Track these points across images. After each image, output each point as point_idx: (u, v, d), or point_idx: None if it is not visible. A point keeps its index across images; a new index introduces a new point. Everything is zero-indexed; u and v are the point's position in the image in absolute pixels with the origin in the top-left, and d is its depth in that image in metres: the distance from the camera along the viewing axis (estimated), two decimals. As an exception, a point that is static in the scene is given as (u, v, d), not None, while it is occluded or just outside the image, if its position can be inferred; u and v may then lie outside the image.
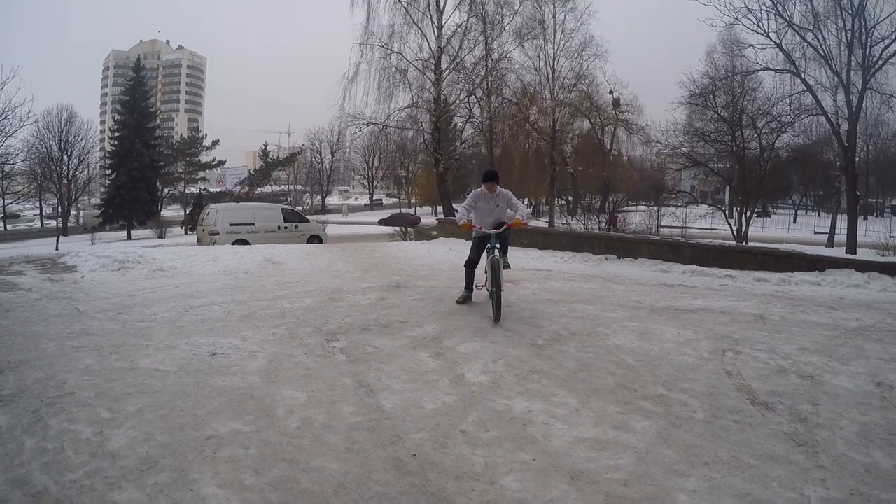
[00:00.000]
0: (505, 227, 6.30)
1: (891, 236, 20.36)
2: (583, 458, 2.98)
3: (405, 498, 2.61)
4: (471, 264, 6.60)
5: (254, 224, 18.34)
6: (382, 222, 43.99)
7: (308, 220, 20.70)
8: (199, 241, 18.44)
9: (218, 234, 17.44)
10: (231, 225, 17.89)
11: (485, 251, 6.32)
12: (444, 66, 22.58)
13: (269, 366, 4.34)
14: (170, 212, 52.02)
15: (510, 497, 2.63)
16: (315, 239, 19.31)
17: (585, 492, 2.68)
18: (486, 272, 6.20)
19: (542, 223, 30.01)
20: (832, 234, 27.31)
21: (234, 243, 16.08)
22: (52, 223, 47.57)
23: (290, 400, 3.66)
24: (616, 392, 3.88)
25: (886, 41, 17.88)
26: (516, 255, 10.64)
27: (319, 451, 3.02)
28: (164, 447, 3.01)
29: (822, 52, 18.86)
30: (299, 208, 45.62)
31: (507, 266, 6.29)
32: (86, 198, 56.36)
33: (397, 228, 24.90)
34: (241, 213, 18.97)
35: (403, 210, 55.76)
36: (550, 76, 27.62)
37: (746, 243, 19.84)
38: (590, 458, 2.98)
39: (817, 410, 3.64)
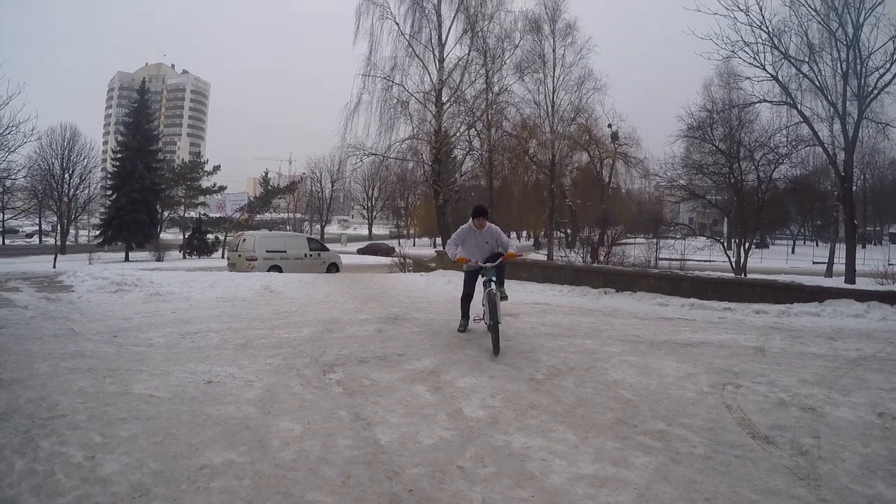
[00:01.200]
0: (500, 258, 6.29)
1: (889, 264, 20.31)
2: (582, 494, 2.94)
3: (401, 534, 2.57)
4: (466, 298, 6.74)
5: (285, 251, 19.82)
6: (360, 251, 45.99)
7: (328, 250, 22.12)
8: (233, 268, 19.08)
9: (256, 259, 18.64)
10: (267, 252, 19.30)
11: (481, 284, 6.28)
12: (445, 99, 22.83)
13: (264, 396, 4.29)
14: (169, 235, 52.04)
15: (508, 535, 2.59)
16: (332, 267, 20.64)
17: (585, 530, 2.64)
18: (483, 305, 6.14)
19: (540, 256, 30.06)
20: (831, 263, 27.34)
21: (268, 269, 17.35)
22: (50, 241, 47.59)
23: (285, 431, 3.61)
24: (615, 427, 3.84)
25: (881, 70, 18.10)
26: (514, 289, 10.62)
27: (315, 484, 2.97)
28: (157, 475, 2.97)
29: (817, 83, 19.12)
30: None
31: (504, 297, 6.29)
32: (85, 217, 56.48)
33: (395, 260, 25.03)
34: (275, 241, 20.64)
35: (384, 241, 56.42)
36: (550, 109, 28.00)
37: (745, 275, 19.86)
38: (589, 494, 2.94)
39: (819, 443, 3.61)
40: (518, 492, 2.95)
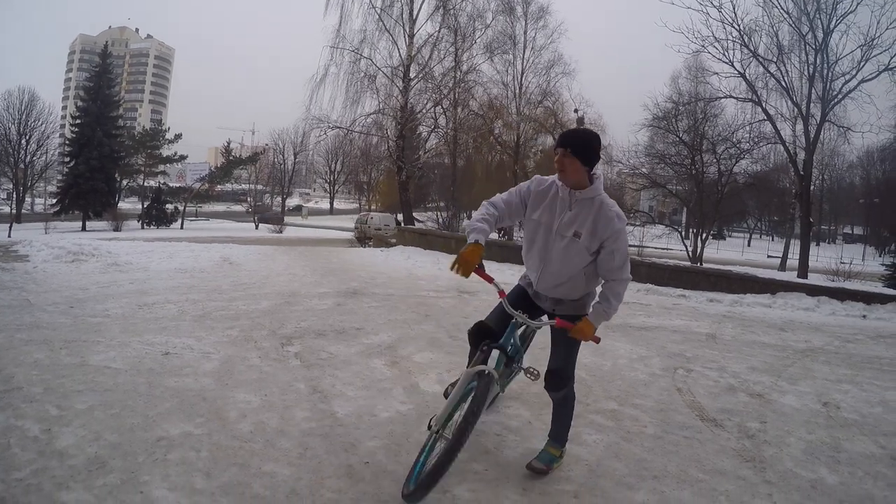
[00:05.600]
0: (556, 323, 2.86)
1: (841, 262, 21.14)
2: (535, 469, 3.03)
3: (357, 505, 2.60)
4: (476, 333, 2.95)
5: (387, 225, 27.21)
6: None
7: (401, 224, 26.50)
8: (363, 238, 24.60)
9: (381, 230, 26.46)
10: (375, 230, 26.04)
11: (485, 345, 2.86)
12: (412, 75, 22.64)
13: (222, 368, 4.26)
14: (127, 204, 50.40)
15: (462, 507, 2.65)
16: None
17: (536, 502, 2.72)
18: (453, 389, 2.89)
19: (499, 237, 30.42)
20: (785, 258, 28.28)
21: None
22: (5, 209, 45.83)
23: (242, 403, 3.61)
24: (569, 406, 3.93)
25: (846, 77, 18.75)
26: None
27: (272, 455, 2.98)
28: (114, 447, 2.93)
29: (784, 83, 19.64)
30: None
31: (500, 391, 3.48)
32: (42, 185, 54.52)
33: (354, 233, 26.39)
34: (383, 220, 31.51)
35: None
36: (517, 91, 28.06)
37: (701, 264, 20.39)
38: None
39: (765, 428, 3.77)
40: (472, 465, 3.01)
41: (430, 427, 2.79)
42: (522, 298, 3.07)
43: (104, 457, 2.84)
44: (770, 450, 3.44)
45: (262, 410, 3.53)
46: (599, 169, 2.82)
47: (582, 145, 2.72)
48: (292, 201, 71.15)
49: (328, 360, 4.56)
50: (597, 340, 2.81)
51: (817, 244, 38.24)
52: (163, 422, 3.26)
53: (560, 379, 2.94)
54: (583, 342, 2.91)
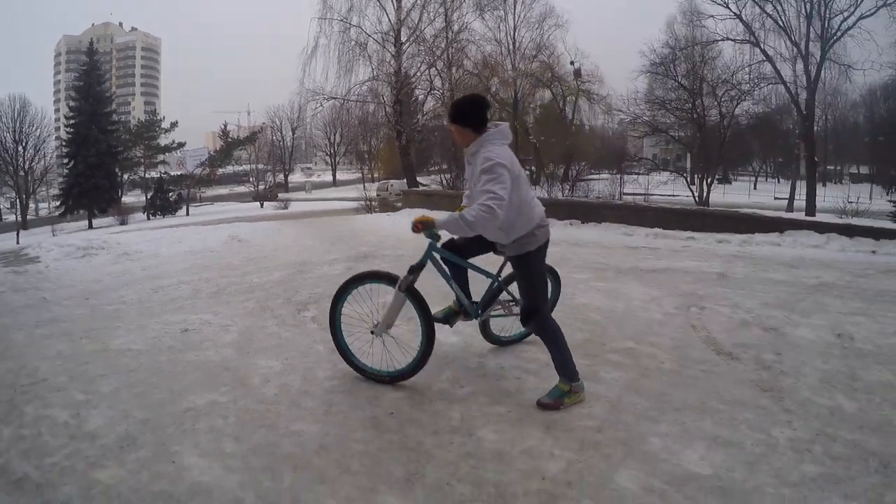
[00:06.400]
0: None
1: (849, 201, 20.98)
2: (556, 408, 3.08)
3: (385, 454, 2.67)
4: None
5: (400, 194, 24.58)
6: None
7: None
8: (383, 203, 24.87)
9: (401, 195, 23.67)
10: (395, 195, 25.90)
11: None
12: (403, 39, 22.40)
13: (241, 338, 4.32)
14: (131, 198, 50.44)
15: (488, 448, 2.71)
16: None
17: (560, 439, 2.77)
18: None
19: None
20: (792, 199, 28.00)
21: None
22: (11, 217, 46.01)
23: (265, 369, 3.67)
24: (585, 346, 3.97)
25: (845, 13, 18.42)
26: None
27: (298, 415, 3.05)
28: (143, 423, 2.99)
29: (781, 23, 19.33)
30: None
31: (445, 320, 3.65)
32: (44, 189, 54.61)
33: (362, 202, 26.05)
34: (402, 185, 27.45)
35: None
36: (511, 47, 27.89)
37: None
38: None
39: (781, 359, 3.78)
40: (495, 408, 3.07)
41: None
42: (473, 240, 3.37)
43: (134, 433, 2.90)
44: (787, 380, 3.46)
45: (284, 374, 3.59)
46: (500, 125, 3.14)
47: (455, 114, 3.13)
48: (294, 177, 70.77)
49: (344, 320, 4.58)
50: (415, 229, 3.06)
51: (823, 185, 37.75)
52: (188, 394, 3.33)
53: (523, 312, 3.25)
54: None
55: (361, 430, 2.88)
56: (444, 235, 3.21)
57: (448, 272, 3.45)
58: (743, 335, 4.29)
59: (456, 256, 3.46)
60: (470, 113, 3.09)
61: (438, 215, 3.05)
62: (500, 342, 3.96)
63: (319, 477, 2.51)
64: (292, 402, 3.20)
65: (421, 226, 3.03)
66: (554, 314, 3.48)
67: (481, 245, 3.38)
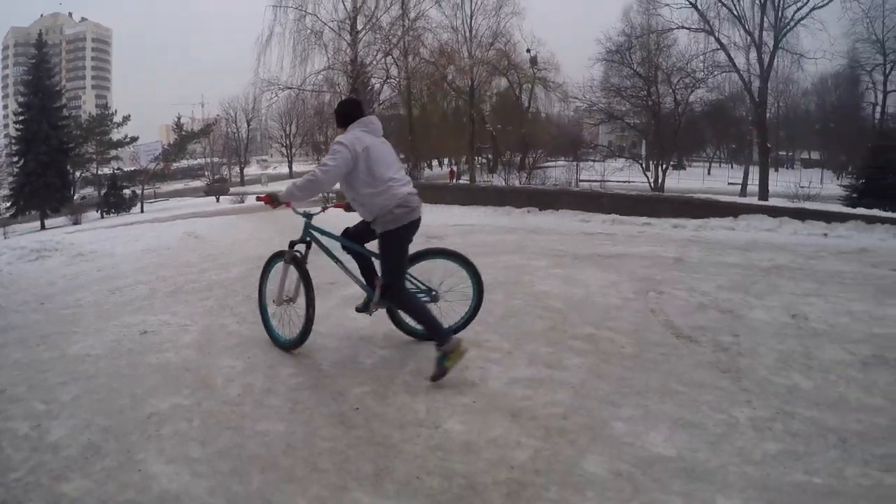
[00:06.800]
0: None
1: (801, 186, 21.65)
2: (520, 396, 3.13)
3: (353, 451, 2.67)
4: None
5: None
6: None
7: None
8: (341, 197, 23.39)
9: None
10: None
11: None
12: (359, 27, 22.03)
13: (201, 338, 4.26)
14: (84, 195, 48.82)
15: (455, 439, 2.74)
16: None
17: (526, 427, 2.82)
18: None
19: (463, 181, 30.47)
20: (745, 184, 28.79)
21: None
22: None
23: (227, 369, 3.62)
24: (547, 334, 4.05)
25: (798, 3, 18.93)
26: (439, 213, 10.37)
27: (263, 415, 3.03)
28: (106, 431, 2.93)
29: (735, 12, 19.81)
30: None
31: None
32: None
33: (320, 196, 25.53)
34: None
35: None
36: (468, 35, 27.81)
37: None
38: (527, 396, 3.13)
39: (738, 341, 3.92)
40: (460, 398, 3.11)
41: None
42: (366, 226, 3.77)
43: (97, 442, 2.83)
44: (745, 361, 3.58)
45: (247, 373, 3.56)
46: (365, 118, 3.60)
47: (335, 117, 3.69)
48: (250, 170, 69.43)
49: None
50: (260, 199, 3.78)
51: (776, 170, 38.83)
52: (150, 398, 3.26)
53: (384, 289, 3.55)
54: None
55: (328, 427, 2.88)
56: (347, 217, 3.88)
57: (328, 248, 3.92)
58: (700, 318, 4.42)
59: (354, 244, 3.88)
60: (340, 113, 3.66)
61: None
62: (416, 334, 3.92)
63: (288, 477, 2.50)
64: (256, 401, 3.18)
65: (266, 198, 3.61)
66: (514, 301, 3.52)
67: (372, 230, 3.66)
